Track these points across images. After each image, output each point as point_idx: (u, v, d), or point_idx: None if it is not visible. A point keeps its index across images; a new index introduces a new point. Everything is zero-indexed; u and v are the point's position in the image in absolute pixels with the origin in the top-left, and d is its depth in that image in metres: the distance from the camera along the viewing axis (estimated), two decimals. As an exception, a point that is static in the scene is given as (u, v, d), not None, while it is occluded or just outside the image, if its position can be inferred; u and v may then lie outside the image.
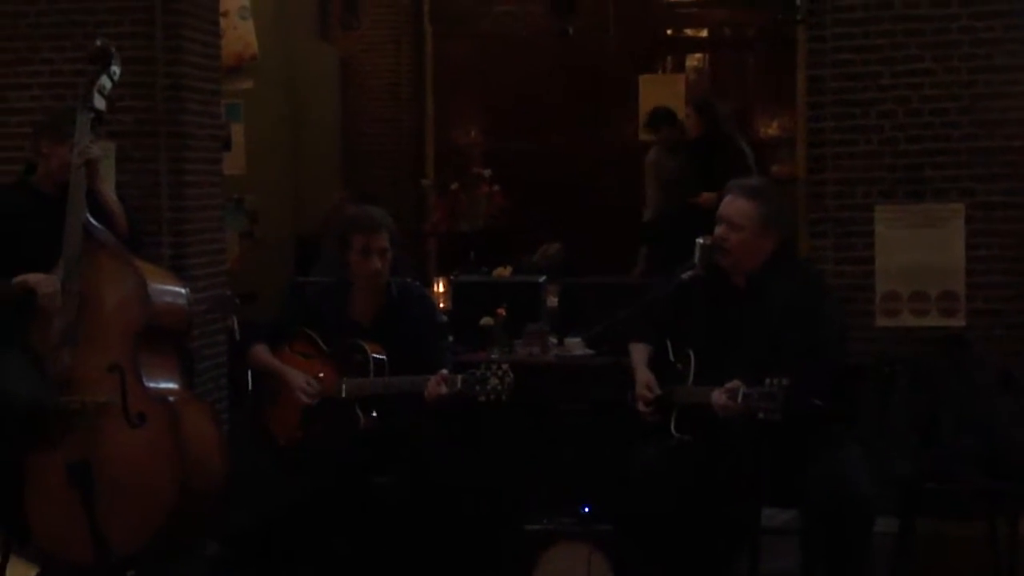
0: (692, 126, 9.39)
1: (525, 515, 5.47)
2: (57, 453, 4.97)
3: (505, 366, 4.99)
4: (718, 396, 4.44)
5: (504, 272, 8.82)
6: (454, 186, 11.37)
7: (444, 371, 5.05)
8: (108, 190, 5.54)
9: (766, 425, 4.34)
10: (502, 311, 6.44)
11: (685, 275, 4.87)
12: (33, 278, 5.13)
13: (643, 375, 4.87)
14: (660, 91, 11.00)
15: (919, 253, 6.07)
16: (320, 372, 5.33)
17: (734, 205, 4.73)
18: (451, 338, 6.01)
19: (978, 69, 6.07)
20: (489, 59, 12.33)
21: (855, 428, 5.01)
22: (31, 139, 5.66)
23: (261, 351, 5.48)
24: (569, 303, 6.87)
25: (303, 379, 5.31)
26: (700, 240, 4.85)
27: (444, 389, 5.00)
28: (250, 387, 5.59)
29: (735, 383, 4.39)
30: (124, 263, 5.23)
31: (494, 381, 4.93)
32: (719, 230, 4.73)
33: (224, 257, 7.00)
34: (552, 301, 6.91)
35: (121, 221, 5.46)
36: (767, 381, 4.29)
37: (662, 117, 10.16)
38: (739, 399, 4.37)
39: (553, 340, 6.43)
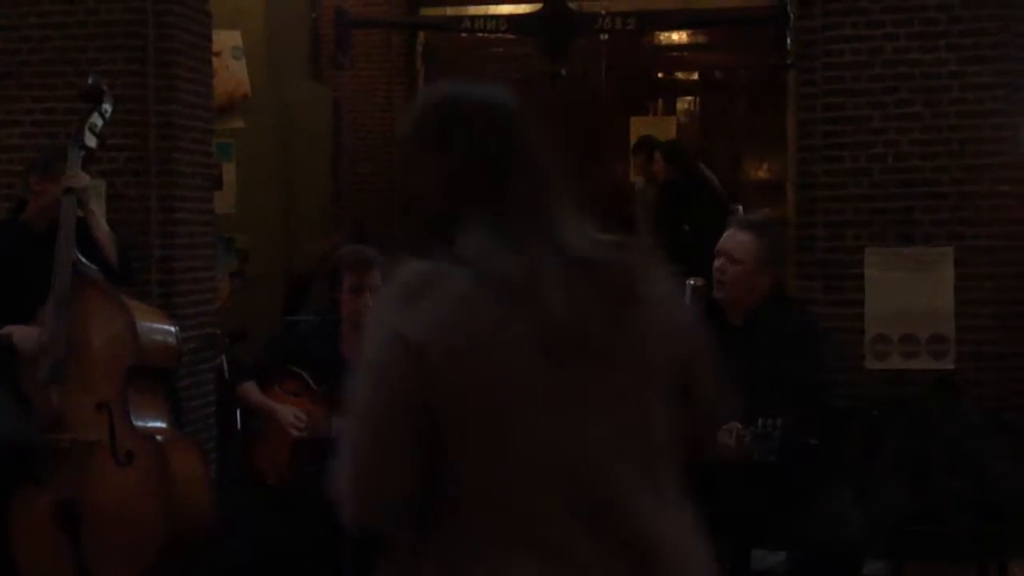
0: (658, 171, 9.59)
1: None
2: (45, 491, 4.95)
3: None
4: (720, 436, 4.40)
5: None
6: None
7: None
8: (98, 219, 5.54)
9: (758, 466, 4.32)
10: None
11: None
12: (17, 335, 5.12)
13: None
14: (651, 132, 11.02)
15: (909, 296, 6.08)
16: (310, 411, 5.31)
17: (735, 239, 4.72)
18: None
19: (967, 114, 6.10)
20: (481, 100, 12.36)
21: (845, 470, 5.00)
22: (22, 176, 5.67)
23: (250, 389, 5.46)
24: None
25: (292, 413, 5.28)
26: (691, 282, 4.84)
27: None
28: (239, 426, 5.57)
29: (733, 423, 4.37)
30: (113, 301, 5.22)
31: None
32: (718, 263, 4.71)
33: (214, 296, 7.00)
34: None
35: (110, 252, 5.45)
36: (760, 422, 4.27)
37: (639, 145, 10.50)
38: (734, 439, 4.36)
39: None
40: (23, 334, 5.12)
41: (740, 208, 9.44)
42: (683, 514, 2.07)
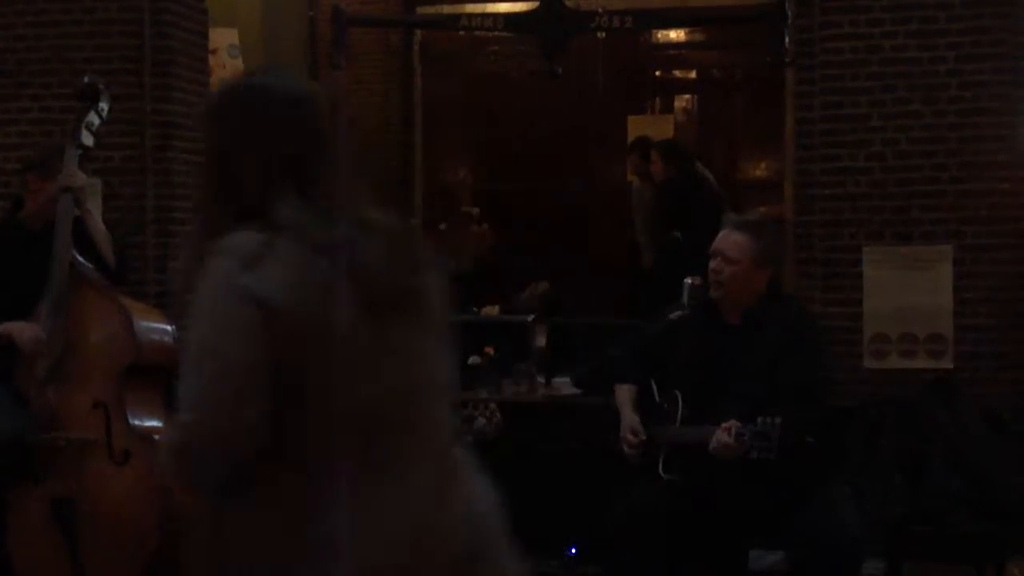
0: (656, 171, 9.56)
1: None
2: (41, 490, 4.93)
3: (493, 405, 4.98)
4: (721, 436, 4.39)
5: (492, 311, 8.80)
6: (442, 225, 11.36)
7: None
8: (95, 218, 5.52)
9: (756, 465, 4.32)
10: (490, 350, 6.43)
11: (674, 315, 4.86)
12: (15, 329, 5.10)
13: (628, 419, 4.83)
14: (648, 131, 10.98)
15: (907, 295, 6.07)
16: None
17: (729, 239, 4.71)
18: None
19: (966, 112, 6.09)
20: (478, 99, 12.34)
21: (843, 469, 4.99)
22: (19, 175, 5.65)
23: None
24: (557, 342, 6.86)
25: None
26: (688, 280, 4.84)
27: None
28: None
29: (732, 422, 4.36)
30: (110, 300, 5.20)
31: (481, 421, 4.92)
32: (714, 264, 4.71)
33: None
34: (540, 340, 6.90)
35: (107, 251, 5.44)
36: (759, 420, 4.27)
37: (635, 144, 10.54)
38: (733, 438, 4.35)
39: (541, 380, 6.42)
40: (21, 330, 5.10)
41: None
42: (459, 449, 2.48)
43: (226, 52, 8.96)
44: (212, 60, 7.47)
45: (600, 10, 9.05)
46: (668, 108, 12.42)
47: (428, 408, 2.35)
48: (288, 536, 2.21)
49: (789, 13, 6.73)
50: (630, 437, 4.76)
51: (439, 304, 2.37)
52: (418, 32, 12.17)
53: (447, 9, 11.58)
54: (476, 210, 11.46)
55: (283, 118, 2.36)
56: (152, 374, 5.31)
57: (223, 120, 2.40)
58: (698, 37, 12.33)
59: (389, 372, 2.26)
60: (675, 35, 12.35)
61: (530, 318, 6.93)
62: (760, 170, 11.97)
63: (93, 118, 5.35)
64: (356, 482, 2.19)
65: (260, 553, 2.23)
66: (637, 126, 11.71)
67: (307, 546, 2.19)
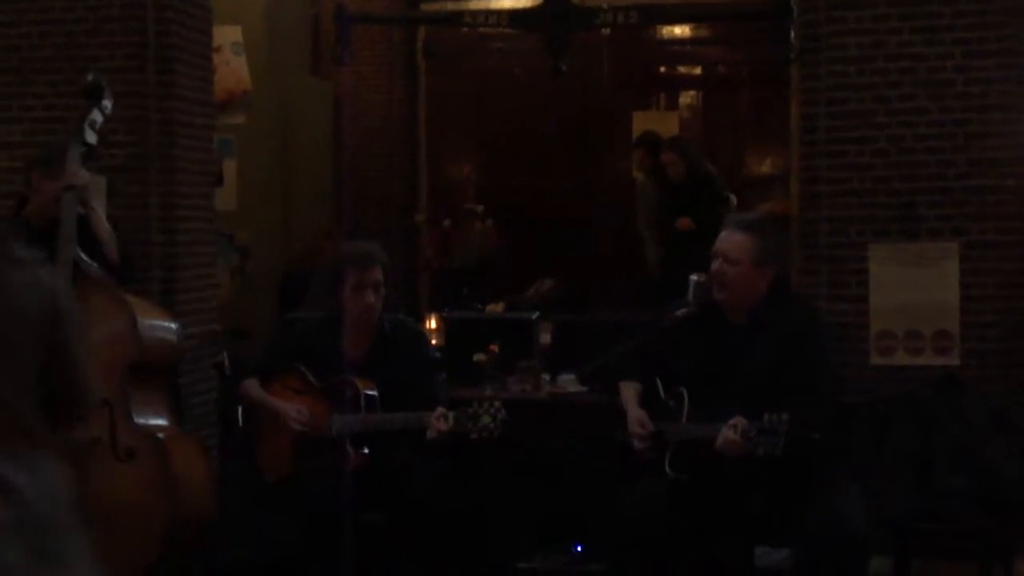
0: (677, 173, 9.44)
1: (517, 553, 5.43)
2: (45, 489, 4.93)
3: (498, 403, 4.96)
4: (727, 432, 4.38)
5: (497, 308, 8.79)
6: (447, 222, 11.36)
7: (440, 408, 5.04)
8: (99, 216, 5.52)
9: (763, 462, 4.31)
10: (495, 347, 6.42)
11: (679, 312, 4.85)
12: None
13: (635, 412, 4.83)
14: (654, 127, 10.98)
15: (913, 292, 6.06)
16: (311, 408, 5.29)
17: (731, 240, 4.71)
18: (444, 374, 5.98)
19: (972, 108, 6.07)
20: (483, 95, 12.34)
21: (850, 466, 4.98)
22: (23, 173, 5.65)
23: (252, 386, 5.44)
24: (562, 340, 6.85)
25: (294, 408, 5.27)
26: (694, 277, 4.83)
27: (444, 425, 4.98)
28: (240, 423, 5.56)
29: (739, 419, 4.35)
30: (114, 299, 5.20)
31: (486, 419, 4.91)
32: (715, 265, 4.70)
33: (215, 293, 6.98)
34: (545, 338, 6.89)
35: (111, 249, 5.44)
36: (766, 417, 4.26)
37: (639, 141, 10.48)
38: (739, 434, 4.34)
39: (546, 377, 6.41)
40: None
41: (733, 198, 9.42)
42: None
43: (230, 49, 8.96)
44: (216, 58, 7.46)
45: (605, 6, 9.05)
46: (673, 104, 12.42)
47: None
48: None
49: (794, 9, 6.71)
50: (639, 429, 4.76)
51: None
52: (422, 29, 12.18)
53: (451, 6, 11.60)
54: (480, 207, 11.46)
55: None
56: (156, 372, 5.32)
57: None
58: (703, 33, 12.32)
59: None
60: (680, 31, 12.34)
61: (535, 315, 6.91)
62: (765, 166, 11.96)
63: (97, 116, 5.35)
64: None
65: None
66: (642, 122, 11.71)
67: None
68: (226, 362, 6.57)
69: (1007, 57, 6.06)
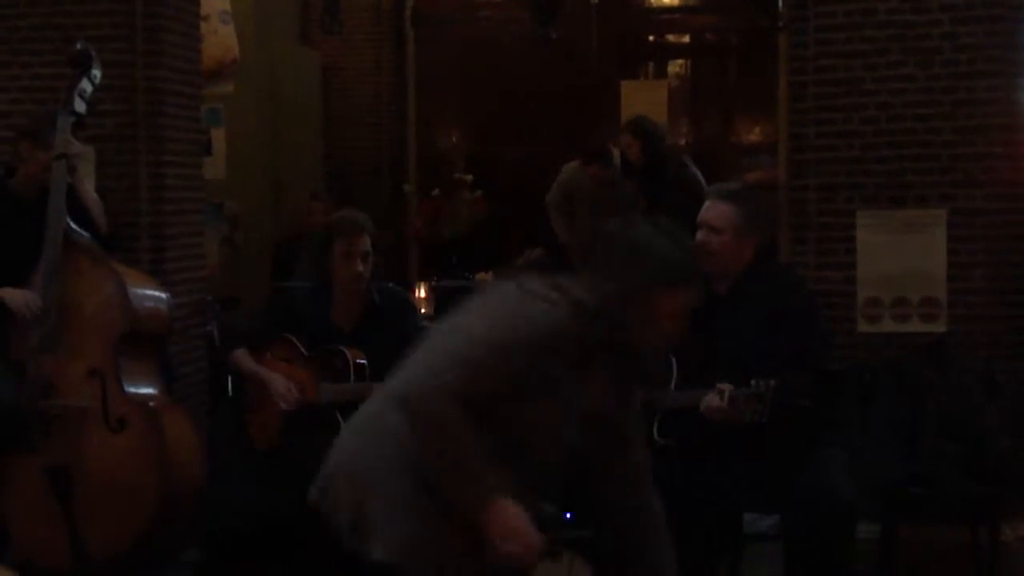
0: (634, 154, 8.87)
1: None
2: (36, 458, 4.95)
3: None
4: (711, 398, 4.40)
5: (486, 277, 8.80)
6: (436, 191, 11.35)
7: None
8: (87, 186, 5.52)
9: (750, 429, 4.33)
10: (484, 316, 6.41)
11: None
12: (7, 295, 5.10)
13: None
14: (642, 96, 10.99)
15: (901, 259, 6.08)
16: (300, 377, 5.30)
17: (714, 209, 4.72)
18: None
19: (960, 75, 6.08)
20: (471, 64, 12.31)
21: (837, 433, 5.00)
22: (11, 143, 5.63)
23: (242, 356, 5.44)
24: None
25: (284, 385, 5.27)
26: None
27: None
28: (230, 392, 5.57)
29: (725, 385, 4.37)
30: (104, 268, 5.21)
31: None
32: (700, 235, 4.71)
33: (204, 262, 6.97)
34: (534, 306, 6.87)
35: (99, 218, 5.44)
36: (753, 382, 4.28)
37: (595, 154, 9.30)
38: (726, 400, 4.36)
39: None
40: (13, 295, 5.10)
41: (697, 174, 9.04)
42: None
43: (217, 18, 8.91)
44: (204, 26, 7.43)
45: (593, -26, 9.03)
46: (662, 73, 12.40)
47: None
48: None
49: (782, -23, 6.71)
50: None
51: None
52: (410, -3, 12.14)
53: (440, -26, 11.55)
54: (469, 176, 11.45)
55: None
56: (147, 341, 5.33)
57: None
58: (692, 2, 12.30)
59: None
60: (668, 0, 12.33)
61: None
62: (754, 134, 11.96)
63: (86, 85, 5.34)
64: None
65: None
66: (631, 91, 11.69)
67: None
68: (216, 331, 6.57)
69: (995, 24, 6.07)
